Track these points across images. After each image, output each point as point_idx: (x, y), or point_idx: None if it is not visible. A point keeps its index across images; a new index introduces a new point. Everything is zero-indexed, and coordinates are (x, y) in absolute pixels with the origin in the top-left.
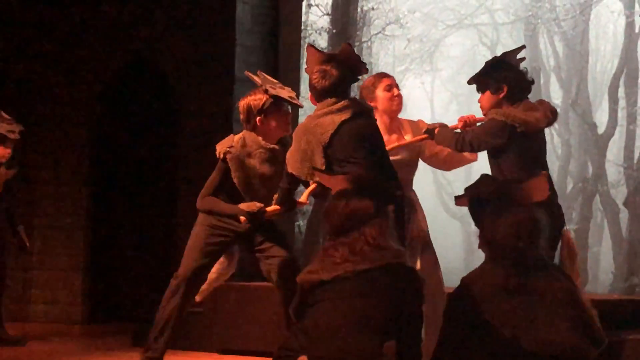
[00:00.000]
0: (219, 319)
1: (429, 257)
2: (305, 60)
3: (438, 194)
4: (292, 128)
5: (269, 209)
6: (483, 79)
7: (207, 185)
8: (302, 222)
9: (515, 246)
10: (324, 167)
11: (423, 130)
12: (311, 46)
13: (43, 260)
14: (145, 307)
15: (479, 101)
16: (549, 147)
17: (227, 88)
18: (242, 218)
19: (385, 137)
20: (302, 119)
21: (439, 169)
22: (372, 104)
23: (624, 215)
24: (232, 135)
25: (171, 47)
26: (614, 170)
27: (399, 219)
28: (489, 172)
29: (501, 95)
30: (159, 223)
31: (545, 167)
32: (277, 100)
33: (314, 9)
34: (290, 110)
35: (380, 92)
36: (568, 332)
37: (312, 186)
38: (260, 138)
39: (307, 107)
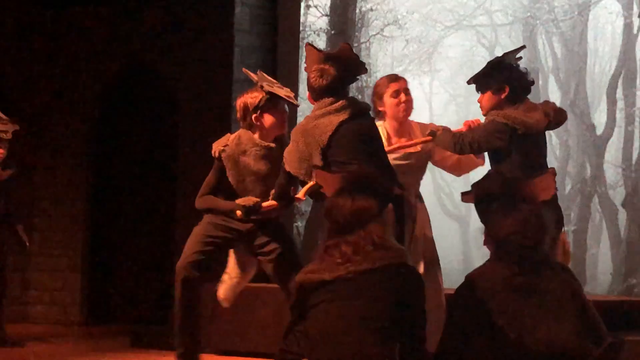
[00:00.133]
0: (218, 320)
1: (429, 252)
2: (304, 60)
3: (436, 194)
4: (289, 128)
5: (265, 204)
6: (484, 79)
7: (205, 185)
8: (300, 223)
9: (522, 244)
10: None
11: (427, 133)
12: (310, 45)
13: (42, 261)
14: (144, 309)
15: (479, 101)
16: (547, 148)
17: (226, 89)
18: (238, 212)
19: (394, 140)
20: (300, 119)
21: (450, 173)
22: (380, 109)
23: (622, 216)
24: (228, 134)
25: (170, 47)
26: (612, 171)
27: (398, 218)
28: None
29: (503, 96)
30: (158, 224)
31: (546, 168)
32: (273, 97)
33: (312, 10)
34: (287, 109)
35: (387, 98)
36: (571, 331)
37: (310, 183)
38: (255, 136)
39: (306, 108)
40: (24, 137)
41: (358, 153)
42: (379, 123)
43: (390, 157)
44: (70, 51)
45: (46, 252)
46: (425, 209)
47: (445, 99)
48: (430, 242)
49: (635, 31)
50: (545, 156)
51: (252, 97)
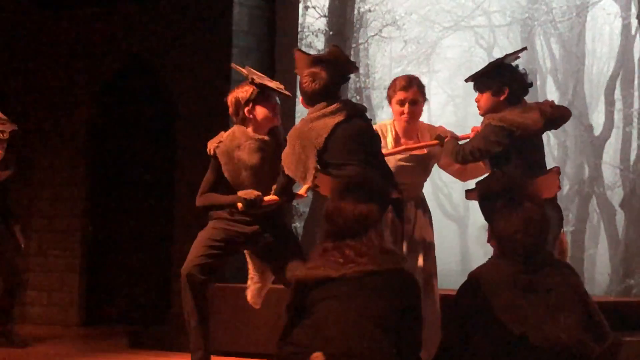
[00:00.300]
0: (218, 321)
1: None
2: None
3: (435, 195)
4: (285, 123)
5: (266, 198)
6: (484, 80)
7: (204, 183)
8: (299, 224)
9: (525, 242)
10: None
11: (434, 136)
12: (298, 50)
13: (40, 262)
14: (142, 310)
15: (477, 101)
16: (545, 149)
17: (224, 89)
18: (239, 205)
19: (402, 141)
20: (298, 120)
21: (455, 177)
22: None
23: (620, 217)
24: (222, 132)
25: (168, 48)
26: (610, 172)
27: (396, 220)
28: None
29: (502, 98)
30: (157, 225)
31: (545, 168)
32: (263, 89)
33: (310, 10)
34: (279, 101)
35: (394, 104)
36: (574, 328)
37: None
38: (249, 130)
39: (305, 109)
40: (22, 137)
41: (354, 155)
42: (388, 122)
43: (396, 157)
44: (68, 51)
45: (44, 253)
46: (427, 213)
47: (443, 100)
48: (429, 250)
49: (633, 32)
50: (544, 156)
51: (243, 91)
